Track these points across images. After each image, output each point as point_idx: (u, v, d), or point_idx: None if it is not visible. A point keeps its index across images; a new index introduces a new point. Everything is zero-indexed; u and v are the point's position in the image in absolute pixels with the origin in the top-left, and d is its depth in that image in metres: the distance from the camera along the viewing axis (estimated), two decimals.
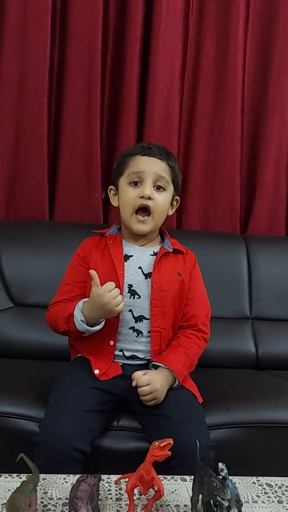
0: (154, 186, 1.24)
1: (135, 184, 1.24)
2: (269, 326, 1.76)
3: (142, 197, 1.22)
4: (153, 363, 1.19)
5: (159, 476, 0.83)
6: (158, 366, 1.17)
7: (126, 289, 1.22)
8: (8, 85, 1.85)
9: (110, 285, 1.13)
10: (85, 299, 1.18)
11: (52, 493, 0.87)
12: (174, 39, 1.89)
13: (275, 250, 1.87)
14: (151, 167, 1.23)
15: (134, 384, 1.12)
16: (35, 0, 1.81)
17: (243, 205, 2.02)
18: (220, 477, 0.79)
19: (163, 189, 1.25)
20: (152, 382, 1.11)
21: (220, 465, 0.78)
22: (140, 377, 1.12)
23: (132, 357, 1.22)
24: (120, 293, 1.17)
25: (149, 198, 1.22)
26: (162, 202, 1.25)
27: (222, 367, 1.64)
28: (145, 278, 1.25)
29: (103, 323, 1.17)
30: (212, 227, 1.99)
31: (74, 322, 1.16)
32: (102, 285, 1.14)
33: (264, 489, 0.93)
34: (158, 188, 1.24)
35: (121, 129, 1.91)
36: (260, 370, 1.68)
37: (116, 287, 1.14)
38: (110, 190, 1.33)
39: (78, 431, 1.04)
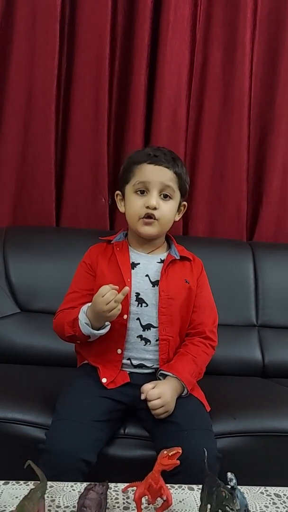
0: (160, 195, 1.23)
1: (142, 192, 1.24)
2: (276, 334, 1.75)
3: (147, 206, 1.22)
4: (161, 372, 1.19)
5: (166, 485, 0.83)
6: (166, 375, 1.17)
7: (133, 297, 1.22)
8: (16, 92, 1.86)
9: (103, 289, 1.10)
10: (90, 303, 1.18)
11: (59, 501, 0.87)
12: (181, 47, 1.90)
13: (281, 258, 1.86)
14: (157, 177, 1.22)
15: (143, 397, 1.11)
16: (44, 8, 1.82)
17: (250, 212, 2.02)
18: (229, 487, 0.78)
19: (169, 197, 1.25)
20: (163, 396, 1.10)
21: (229, 474, 0.78)
22: (149, 390, 1.11)
23: (140, 366, 1.22)
24: (128, 301, 1.17)
25: (154, 208, 1.22)
26: (168, 210, 1.25)
27: (228, 374, 1.63)
28: (152, 286, 1.24)
29: (108, 327, 1.17)
30: (219, 234, 1.99)
31: (79, 326, 1.16)
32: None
33: (273, 499, 0.92)
34: (165, 196, 1.24)
35: (128, 135, 1.92)
36: (266, 378, 1.67)
37: (115, 288, 1.11)
38: (117, 195, 1.33)
39: (85, 442, 1.04)
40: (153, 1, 1.86)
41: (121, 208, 1.32)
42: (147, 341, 1.22)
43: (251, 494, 0.93)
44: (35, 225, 1.89)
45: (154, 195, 1.22)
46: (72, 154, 1.91)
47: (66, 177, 1.92)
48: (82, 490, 0.83)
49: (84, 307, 1.17)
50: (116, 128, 1.95)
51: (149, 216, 1.23)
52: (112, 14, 1.86)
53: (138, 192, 1.24)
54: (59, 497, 0.88)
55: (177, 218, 1.32)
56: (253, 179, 2.01)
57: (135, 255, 1.29)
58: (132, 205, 1.25)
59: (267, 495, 0.93)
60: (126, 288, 1.12)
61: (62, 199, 1.93)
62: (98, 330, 1.16)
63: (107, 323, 1.17)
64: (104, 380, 1.18)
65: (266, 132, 2.00)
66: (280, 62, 1.97)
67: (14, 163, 1.89)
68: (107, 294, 1.10)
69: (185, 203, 1.33)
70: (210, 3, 1.93)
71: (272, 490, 0.95)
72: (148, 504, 0.86)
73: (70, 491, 0.90)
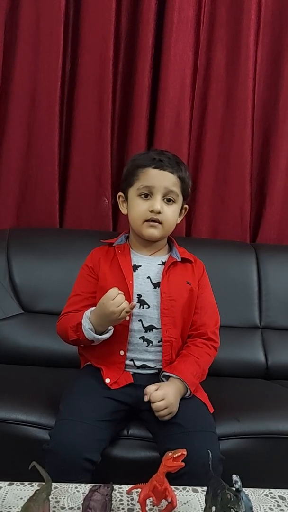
0: (163, 199, 1.24)
1: (145, 196, 1.24)
2: (279, 336, 1.75)
3: (152, 211, 1.23)
4: (164, 373, 1.19)
5: (171, 486, 0.83)
6: (169, 376, 1.17)
7: (135, 299, 1.23)
8: (20, 93, 1.86)
9: (112, 292, 1.13)
10: (93, 308, 1.18)
11: (64, 502, 0.87)
12: (185, 49, 1.91)
13: (285, 259, 1.86)
14: (161, 182, 1.23)
15: (146, 399, 1.11)
16: (48, 9, 1.83)
17: (253, 214, 2.02)
18: (234, 489, 0.78)
19: (173, 201, 1.26)
20: (167, 397, 1.10)
21: (234, 477, 0.78)
22: (153, 392, 1.11)
23: (143, 367, 1.22)
24: (130, 302, 1.17)
25: (159, 213, 1.23)
26: (171, 214, 1.26)
27: (231, 376, 1.63)
28: (154, 288, 1.25)
29: (111, 331, 1.18)
30: (222, 236, 1.99)
31: (83, 331, 1.16)
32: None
33: (277, 501, 0.92)
34: (168, 200, 1.25)
35: (131, 137, 1.92)
36: (270, 380, 1.67)
37: (121, 293, 1.13)
38: (119, 197, 1.33)
39: (88, 441, 1.04)
40: (157, 2, 1.87)
41: (123, 210, 1.33)
42: (149, 342, 1.22)
43: (256, 496, 0.93)
44: (39, 226, 1.90)
45: (158, 200, 1.23)
46: (76, 155, 1.91)
47: (69, 178, 1.93)
48: (86, 492, 0.83)
49: (87, 312, 1.18)
50: (120, 129, 1.95)
51: (154, 220, 1.24)
52: (116, 15, 1.86)
53: (142, 196, 1.25)
54: (64, 498, 0.88)
55: (179, 220, 1.33)
56: (256, 180, 2.02)
57: (137, 257, 1.30)
58: (136, 208, 1.25)
59: (272, 497, 0.93)
60: (133, 302, 1.16)
61: (65, 200, 1.94)
62: (101, 334, 1.16)
63: (110, 327, 1.17)
64: (107, 381, 1.18)
65: (269, 133, 2.00)
66: (284, 63, 1.97)
67: (18, 164, 1.89)
68: (118, 297, 1.12)
69: (186, 205, 1.33)
70: (214, 5, 1.93)
71: (277, 492, 0.95)
72: (153, 506, 0.86)
73: (74, 493, 0.90)
